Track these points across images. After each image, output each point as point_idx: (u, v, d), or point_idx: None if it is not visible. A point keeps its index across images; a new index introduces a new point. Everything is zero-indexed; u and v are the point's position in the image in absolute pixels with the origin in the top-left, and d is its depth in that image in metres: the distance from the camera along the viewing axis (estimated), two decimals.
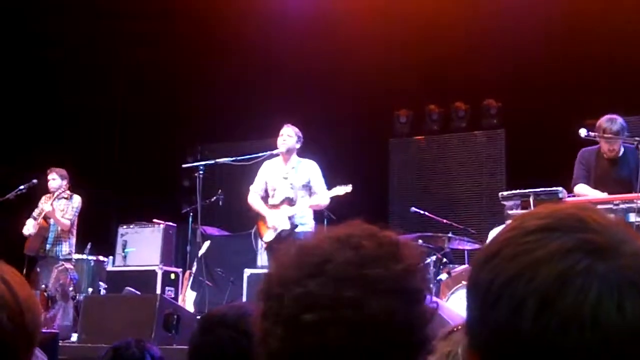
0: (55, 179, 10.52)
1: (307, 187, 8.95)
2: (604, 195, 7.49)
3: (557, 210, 1.15)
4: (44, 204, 10.45)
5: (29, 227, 10.42)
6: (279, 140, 9.02)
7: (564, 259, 1.06)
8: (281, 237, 8.60)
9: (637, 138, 7.46)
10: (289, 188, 8.93)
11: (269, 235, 8.81)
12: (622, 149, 7.88)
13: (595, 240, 1.08)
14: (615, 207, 7.13)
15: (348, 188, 8.74)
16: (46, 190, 10.62)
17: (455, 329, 2.01)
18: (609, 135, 7.69)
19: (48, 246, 10.38)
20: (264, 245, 8.99)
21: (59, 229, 10.42)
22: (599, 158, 7.95)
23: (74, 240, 10.57)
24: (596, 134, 7.67)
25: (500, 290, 1.08)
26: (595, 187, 7.78)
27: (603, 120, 7.71)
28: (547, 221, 1.12)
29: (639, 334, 1.04)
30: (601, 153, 7.92)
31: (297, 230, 8.71)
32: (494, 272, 1.11)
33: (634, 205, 7.11)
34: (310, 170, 9.01)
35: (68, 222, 10.42)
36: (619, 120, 7.73)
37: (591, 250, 1.07)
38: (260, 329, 1.50)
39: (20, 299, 1.63)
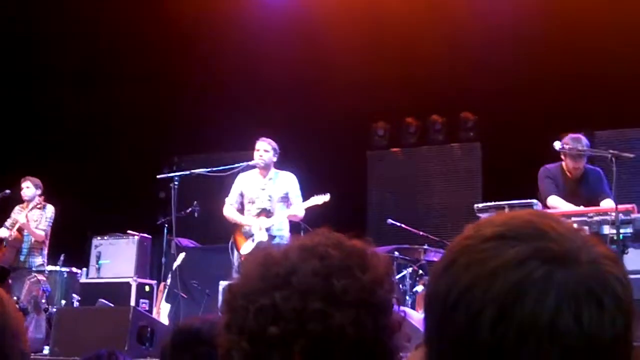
0: (29, 188, 10.46)
1: (285, 199, 8.93)
2: (579, 208, 7.55)
3: (513, 217, 1.12)
4: (18, 215, 10.38)
5: (2, 233, 10.36)
6: (256, 155, 8.98)
7: (520, 268, 1.04)
8: (259, 249, 8.55)
9: (610, 151, 7.52)
10: (267, 200, 8.90)
11: (246, 248, 8.78)
12: (583, 170, 8.00)
13: (552, 248, 1.06)
14: (589, 220, 7.18)
15: (326, 197, 8.74)
16: (20, 201, 10.54)
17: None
18: (584, 148, 7.79)
19: (22, 257, 10.31)
20: (241, 258, 8.93)
21: (33, 240, 10.34)
22: (562, 176, 8.04)
23: (46, 251, 10.49)
24: (570, 146, 7.75)
25: (458, 300, 1.06)
26: None
27: (568, 140, 7.82)
28: (503, 229, 1.10)
29: (597, 343, 1.02)
30: (564, 171, 8.02)
31: (274, 241, 8.68)
32: (450, 281, 1.09)
33: (608, 217, 7.16)
34: (288, 182, 8.99)
35: (42, 233, 10.36)
36: (583, 139, 7.91)
37: (548, 258, 1.05)
38: (224, 342, 1.47)
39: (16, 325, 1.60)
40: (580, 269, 1.05)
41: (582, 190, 7.98)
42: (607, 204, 7.64)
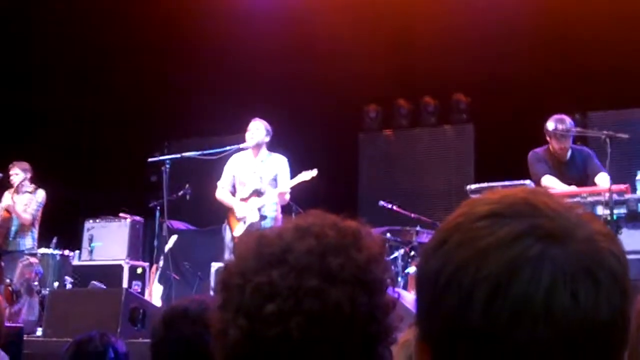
0: (18, 174, 10.44)
1: (275, 181, 8.94)
2: (572, 188, 7.57)
3: (507, 195, 1.10)
4: (6, 197, 10.39)
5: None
6: (248, 135, 9.00)
7: (514, 245, 1.02)
8: (251, 230, 8.58)
9: (604, 132, 7.53)
10: (258, 181, 8.91)
11: (239, 229, 8.79)
12: (570, 150, 8.01)
13: (547, 225, 1.03)
14: (583, 200, 7.20)
15: (313, 172, 8.75)
16: (11, 185, 10.52)
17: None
18: (579, 129, 7.87)
19: (10, 239, 10.31)
20: (234, 240, 8.94)
21: (20, 222, 10.35)
22: (550, 158, 8.07)
23: (37, 233, 10.50)
24: (563, 127, 7.77)
25: (449, 279, 1.04)
26: None
27: (553, 121, 7.84)
28: (497, 206, 1.07)
29: (593, 322, 1.00)
30: (551, 154, 8.04)
31: (265, 222, 8.70)
32: (442, 261, 1.06)
33: (601, 198, 7.19)
34: (279, 164, 9.00)
35: (29, 217, 10.34)
36: (567, 119, 7.95)
37: (543, 236, 1.02)
38: (219, 321, 1.47)
39: None
40: (575, 245, 1.02)
41: (570, 171, 8.01)
42: (603, 177, 7.64)
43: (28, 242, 10.36)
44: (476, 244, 1.04)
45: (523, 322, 0.99)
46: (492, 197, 1.10)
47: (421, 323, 1.11)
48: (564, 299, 0.99)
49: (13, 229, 10.35)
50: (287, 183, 8.86)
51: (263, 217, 8.77)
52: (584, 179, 7.89)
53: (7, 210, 10.30)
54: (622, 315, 1.04)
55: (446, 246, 1.07)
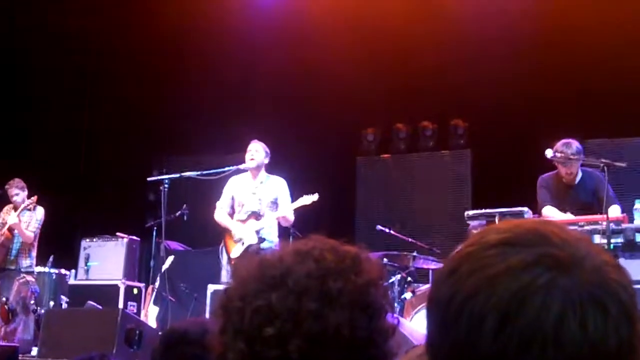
0: (19, 194, 10.40)
1: (275, 204, 8.92)
2: (570, 217, 7.55)
3: (518, 225, 1.12)
4: (7, 215, 10.34)
5: None
6: (247, 156, 8.98)
7: (524, 274, 1.03)
8: (248, 252, 8.56)
9: (602, 160, 7.52)
10: (257, 203, 8.89)
11: (236, 251, 8.75)
12: (580, 174, 7.99)
13: (556, 255, 1.05)
14: (580, 229, 7.18)
15: (314, 197, 8.73)
16: (8, 201, 10.49)
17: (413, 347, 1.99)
18: (574, 154, 7.80)
19: (11, 258, 10.26)
20: (231, 262, 8.91)
21: (22, 240, 10.30)
22: (557, 183, 8.04)
23: (35, 252, 10.45)
24: (562, 154, 7.75)
25: (460, 306, 1.05)
26: None
27: (559, 145, 7.83)
28: (507, 235, 1.09)
29: (602, 350, 1.02)
30: (559, 178, 8.01)
31: (263, 245, 8.67)
32: (453, 288, 1.08)
33: (599, 227, 7.17)
34: (279, 186, 8.98)
35: (32, 235, 10.32)
36: (575, 144, 7.87)
37: (552, 265, 1.04)
38: (219, 344, 1.48)
39: None
40: (584, 275, 1.04)
41: (579, 195, 7.96)
42: (615, 210, 7.59)
43: (26, 261, 10.31)
44: (486, 272, 1.06)
45: (532, 349, 1.00)
46: (502, 227, 1.13)
47: (431, 348, 1.13)
48: (573, 327, 1.01)
49: (14, 248, 10.30)
50: (288, 206, 8.85)
51: (261, 240, 8.75)
52: (594, 203, 7.84)
53: (8, 231, 10.26)
54: (629, 344, 1.05)
55: (457, 274, 1.09)
